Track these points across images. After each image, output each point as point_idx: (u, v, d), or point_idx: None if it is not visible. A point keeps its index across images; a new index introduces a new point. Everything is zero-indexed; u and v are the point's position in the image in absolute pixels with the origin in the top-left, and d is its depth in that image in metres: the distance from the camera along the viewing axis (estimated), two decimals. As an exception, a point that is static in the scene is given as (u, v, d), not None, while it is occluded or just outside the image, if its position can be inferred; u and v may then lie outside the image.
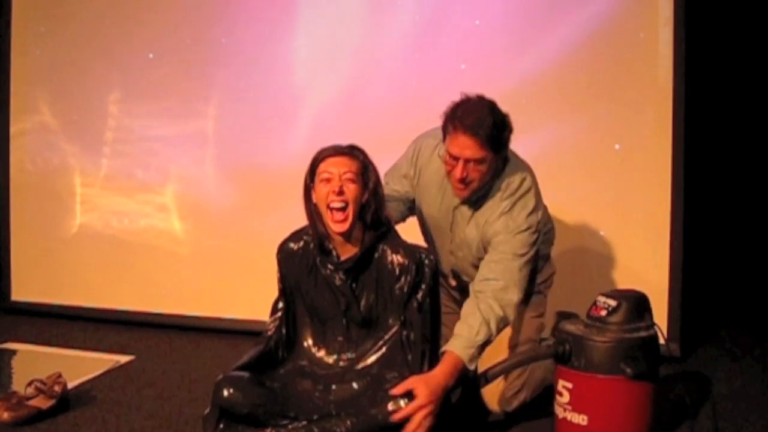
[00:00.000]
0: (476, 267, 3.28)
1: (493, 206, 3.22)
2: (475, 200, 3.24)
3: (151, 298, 4.79)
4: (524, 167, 3.29)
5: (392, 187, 3.44)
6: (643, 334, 2.99)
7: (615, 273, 4.12)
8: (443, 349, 3.01)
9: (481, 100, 3.12)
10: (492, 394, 3.31)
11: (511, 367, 3.15)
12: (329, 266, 3.09)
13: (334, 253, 3.08)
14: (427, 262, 3.06)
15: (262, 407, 2.91)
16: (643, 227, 4.08)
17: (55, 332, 4.63)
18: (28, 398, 3.32)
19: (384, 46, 4.36)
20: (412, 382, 2.88)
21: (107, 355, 4.19)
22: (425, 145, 3.39)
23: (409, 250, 3.08)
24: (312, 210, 3.07)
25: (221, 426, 2.92)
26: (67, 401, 3.43)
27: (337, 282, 3.08)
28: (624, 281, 4.04)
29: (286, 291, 3.19)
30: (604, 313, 3.02)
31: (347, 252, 3.07)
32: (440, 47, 4.23)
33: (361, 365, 3.11)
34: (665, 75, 3.97)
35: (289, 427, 2.90)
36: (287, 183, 4.46)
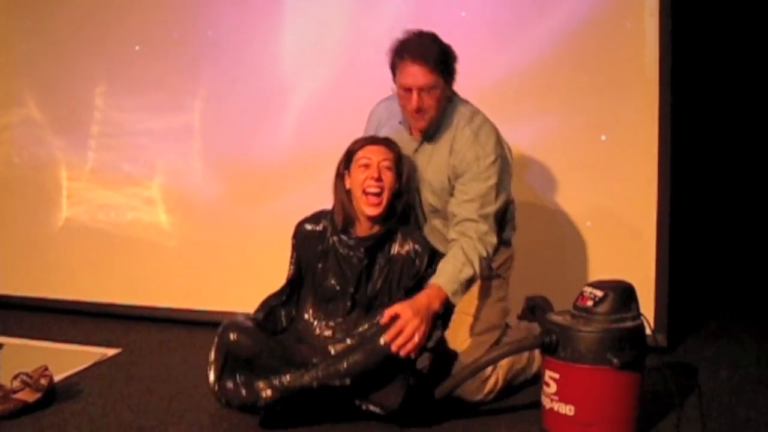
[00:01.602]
0: (433, 211, 3.38)
1: (455, 137, 3.29)
2: (432, 135, 3.32)
3: (137, 291, 4.78)
4: (470, 104, 3.38)
5: None
6: (629, 324, 2.99)
7: (601, 264, 4.12)
8: (427, 283, 3.13)
9: (422, 32, 3.25)
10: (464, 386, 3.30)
11: (498, 358, 3.16)
12: (349, 242, 3.22)
13: (352, 230, 3.25)
14: (435, 248, 3.29)
15: (265, 352, 3.03)
16: (629, 218, 4.08)
17: (42, 326, 4.61)
18: (15, 391, 3.30)
19: (370, 39, 4.34)
20: (396, 306, 3.00)
21: (94, 348, 4.18)
22: (377, 108, 3.55)
23: (420, 237, 3.30)
24: (344, 195, 3.23)
25: (225, 379, 3.03)
26: (53, 394, 3.42)
27: (354, 260, 3.22)
28: (610, 272, 4.01)
29: (298, 266, 3.33)
30: (590, 303, 3.02)
31: (364, 231, 3.25)
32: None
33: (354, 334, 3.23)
34: (651, 65, 3.97)
35: (291, 373, 2.99)
36: (274, 176, 4.50)
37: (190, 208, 4.72)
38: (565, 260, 4.13)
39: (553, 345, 3.01)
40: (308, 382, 2.98)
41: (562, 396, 3.00)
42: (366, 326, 3.22)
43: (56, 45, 4.87)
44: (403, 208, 3.27)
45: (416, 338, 2.96)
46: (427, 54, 3.16)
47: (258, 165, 4.56)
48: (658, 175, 4.01)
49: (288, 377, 2.99)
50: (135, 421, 3.24)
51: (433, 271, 3.18)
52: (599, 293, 3.03)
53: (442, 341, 3.24)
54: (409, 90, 3.20)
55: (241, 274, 4.53)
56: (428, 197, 3.39)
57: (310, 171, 4.28)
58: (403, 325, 2.95)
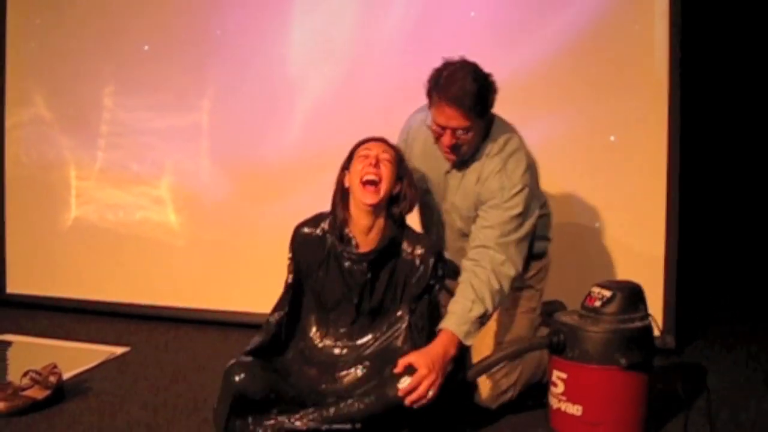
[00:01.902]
0: (462, 235, 3.33)
1: (484, 166, 3.21)
2: (465, 161, 3.25)
3: (146, 290, 4.79)
4: (509, 128, 3.29)
5: None
6: (637, 324, 2.99)
7: (610, 264, 4.12)
8: (438, 327, 3.04)
9: (463, 65, 3.11)
10: (482, 388, 3.30)
11: (505, 357, 3.15)
12: (350, 257, 3.13)
13: (354, 242, 3.13)
14: (442, 251, 3.22)
15: (273, 392, 2.95)
16: (638, 219, 4.08)
17: (51, 324, 4.62)
18: (24, 389, 3.32)
19: (379, 39, 4.36)
20: (411, 356, 2.93)
21: (102, 346, 4.19)
22: (414, 120, 3.44)
23: (427, 241, 3.20)
24: (339, 194, 3.16)
25: (234, 422, 2.94)
26: (62, 392, 3.43)
27: (358, 276, 3.13)
28: (619, 273, 4.05)
29: (297, 273, 3.22)
30: (598, 303, 3.02)
31: (367, 243, 3.13)
32: (435, 39, 4.22)
33: (363, 353, 3.15)
34: (660, 66, 3.97)
35: (301, 413, 2.93)
36: (282, 175, 4.50)
37: (199, 207, 4.73)
38: (574, 261, 4.13)
39: (561, 345, 3.01)
40: (318, 425, 2.92)
41: (570, 396, 3.00)
42: (370, 337, 3.16)
43: (65, 45, 4.89)
44: (401, 214, 3.16)
45: (430, 394, 2.90)
46: (464, 97, 3.02)
47: (266, 164, 4.56)
48: (667, 176, 4.01)
49: (298, 420, 2.93)
50: (143, 419, 3.25)
51: (439, 279, 3.14)
52: (607, 293, 3.03)
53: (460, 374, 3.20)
54: (443, 128, 3.11)
55: (249, 274, 4.54)
56: (456, 221, 3.34)
57: (318, 170, 4.27)
58: (418, 381, 2.88)
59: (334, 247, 3.15)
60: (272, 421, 2.93)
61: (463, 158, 3.21)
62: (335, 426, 2.93)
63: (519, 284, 3.38)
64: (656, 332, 3.07)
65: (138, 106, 4.78)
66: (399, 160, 3.14)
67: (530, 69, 4.13)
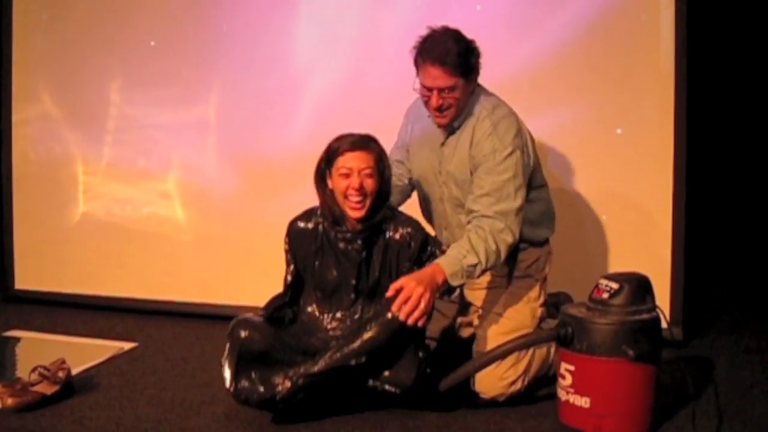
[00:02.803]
0: (458, 205, 3.39)
1: (475, 128, 3.31)
2: (455, 128, 3.36)
3: (154, 285, 4.80)
4: (496, 97, 3.41)
5: (394, 157, 3.58)
6: (645, 316, 2.99)
7: (617, 257, 4.12)
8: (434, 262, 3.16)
9: (445, 30, 3.28)
10: (486, 382, 3.31)
11: (513, 350, 3.16)
12: (344, 236, 3.22)
13: (346, 222, 3.22)
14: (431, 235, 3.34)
15: (277, 346, 3.06)
16: (645, 211, 4.07)
17: (59, 320, 4.63)
18: (32, 384, 3.33)
19: (385, 32, 4.35)
20: (401, 280, 3.06)
21: (111, 342, 4.20)
22: (413, 107, 3.59)
23: (413, 222, 3.30)
24: (329, 196, 3.22)
25: (240, 377, 3.04)
26: (71, 387, 3.44)
27: (354, 255, 3.22)
28: (626, 265, 4.02)
29: (295, 265, 3.32)
30: (606, 295, 3.02)
31: (360, 224, 3.22)
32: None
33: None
34: (667, 58, 3.96)
35: (306, 363, 3.04)
36: (289, 169, 4.50)
37: (206, 202, 4.74)
38: (581, 253, 4.13)
39: (569, 337, 3.01)
40: (324, 367, 3.01)
41: (578, 388, 3.00)
42: (372, 313, 3.22)
43: (72, 40, 4.89)
44: (386, 199, 3.25)
45: (422, 305, 3.00)
46: (447, 56, 3.19)
47: (273, 159, 4.57)
48: (673, 168, 4.00)
49: (303, 367, 3.03)
50: (152, 414, 3.26)
51: (429, 256, 3.23)
52: (615, 285, 3.03)
53: (450, 329, 3.33)
54: (429, 89, 3.25)
55: (256, 268, 4.54)
56: (453, 190, 3.40)
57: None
58: (408, 294, 3.00)
59: (327, 233, 3.25)
60: (279, 378, 3.03)
61: (450, 121, 3.32)
62: (342, 363, 3.02)
63: (520, 274, 3.44)
64: (664, 324, 3.06)
65: (145, 102, 4.78)
66: (378, 161, 3.18)
67: (536, 62, 4.12)
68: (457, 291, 3.40)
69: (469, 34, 3.30)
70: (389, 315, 3.00)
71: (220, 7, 4.61)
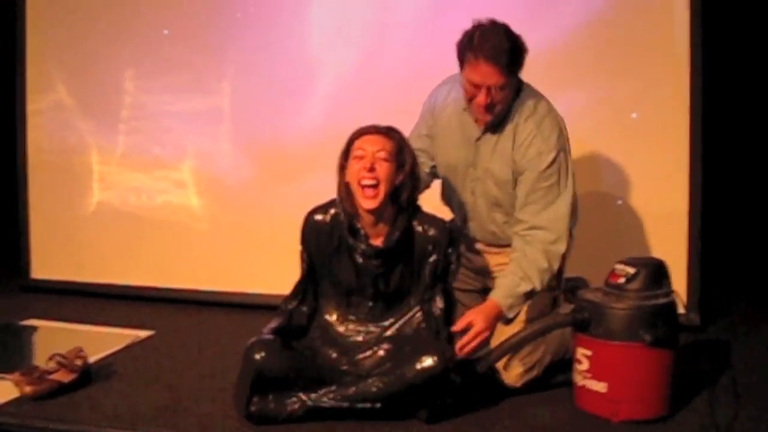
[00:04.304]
0: (495, 204, 3.33)
1: (517, 129, 3.24)
2: (497, 124, 3.27)
3: (169, 274, 4.81)
4: (537, 93, 3.33)
5: (415, 146, 3.46)
6: (661, 301, 2.99)
7: (634, 242, 4.10)
8: (490, 297, 3.15)
9: (495, 25, 3.16)
10: (505, 368, 3.30)
11: (531, 336, 3.15)
12: (361, 251, 3.12)
13: (363, 232, 3.11)
14: (455, 229, 3.23)
15: (293, 370, 2.98)
16: (661, 196, 4.06)
17: (75, 309, 4.64)
18: (50, 372, 3.33)
19: (397, 18, 4.34)
20: (470, 315, 3.06)
21: (127, 330, 4.21)
22: (439, 93, 3.47)
23: (438, 222, 3.17)
24: (343, 189, 3.11)
25: (254, 400, 2.97)
26: (88, 375, 3.45)
27: (372, 268, 3.13)
28: (643, 250, 4.03)
29: (309, 263, 3.23)
30: (622, 280, 3.02)
31: (377, 233, 3.12)
32: (455, 18, 4.12)
33: (383, 335, 3.18)
34: (682, 42, 3.94)
35: (321, 391, 2.95)
36: (304, 157, 4.50)
37: (220, 190, 4.74)
38: (597, 239, 4.10)
39: (586, 322, 3.01)
40: (338, 403, 2.96)
41: (595, 373, 3.00)
42: (390, 320, 3.19)
43: (85, 30, 4.89)
44: (410, 198, 3.11)
45: (477, 343, 3.06)
46: (499, 55, 3.07)
47: (287, 146, 4.56)
48: (689, 152, 3.99)
49: (318, 398, 2.97)
50: (168, 401, 3.26)
51: (456, 261, 3.19)
52: (631, 270, 3.02)
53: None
54: (477, 86, 3.14)
55: (271, 256, 4.54)
56: (492, 189, 3.33)
57: (339, 152, 4.27)
58: (475, 335, 3.05)
59: (347, 244, 3.15)
60: (293, 399, 2.96)
61: (496, 119, 3.23)
62: (355, 405, 2.95)
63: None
64: (681, 309, 3.06)
65: (158, 90, 4.78)
66: (398, 151, 3.07)
67: (551, 47, 4.10)
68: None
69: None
70: (413, 375, 2.93)
71: (234, -5, 4.61)
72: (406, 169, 3.07)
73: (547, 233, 3.17)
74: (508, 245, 3.32)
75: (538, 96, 3.31)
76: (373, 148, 3.03)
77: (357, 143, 3.06)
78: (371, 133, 3.07)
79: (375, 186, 3.01)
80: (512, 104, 3.25)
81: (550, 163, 3.19)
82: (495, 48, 3.07)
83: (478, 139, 3.32)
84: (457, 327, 3.06)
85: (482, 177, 3.34)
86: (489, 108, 3.16)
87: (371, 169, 3.00)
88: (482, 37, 3.11)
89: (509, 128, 3.25)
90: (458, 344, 3.02)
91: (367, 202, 3.02)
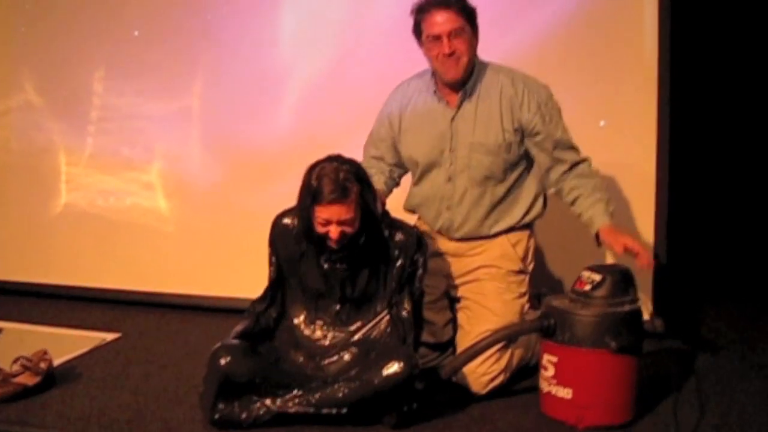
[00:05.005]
0: (486, 178, 3.37)
1: (503, 90, 3.34)
2: (470, 93, 3.34)
3: (137, 276, 4.78)
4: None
5: (371, 154, 3.56)
6: (627, 308, 3.01)
7: (600, 249, 4.11)
8: (598, 227, 3.26)
9: None
10: (470, 377, 3.31)
11: (497, 341, 3.17)
12: (327, 255, 3.13)
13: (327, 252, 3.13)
14: (422, 235, 3.24)
15: (259, 375, 2.98)
16: (628, 203, 4.08)
17: (41, 311, 4.62)
18: (14, 375, 3.32)
19: (370, 22, 4.34)
20: (620, 239, 3.18)
21: (93, 333, 4.20)
22: (396, 95, 3.53)
23: (406, 227, 3.20)
24: (307, 218, 3.07)
25: (219, 405, 2.96)
26: (53, 378, 3.43)
27: (337, 272, 3.15)
28: (609, 257, 4.05)
29: (277, 265, 3.24)
30: (588, 287, 3.03)
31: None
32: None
33: (350, 340, 3.17)
34: (650, 50, 3.96)
35: (287, 396, 2.94)
36: (273, 160, 4.50)
37: (189, 193, 4.72)
38: (564, 246, 4.13)
39: (552, 329, 3.02)
40: (304, 409, 2.96)
41: (560, 379, 3.01)
42: (357, 324, 3.20)
43: (55, 30, 4.86)
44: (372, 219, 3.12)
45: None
46: (449, 1, 3.23)
47: (257, 149, 4.55)
48: (656, 159, 4.00)
49: (284, 404, 2.97)
50: (134, 405, 3.25)
51: (421, 266, 3.18)
52: (597, 277, 3.04)
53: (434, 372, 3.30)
54: (438, 38, 3.24)
55: (239, 259, 4.53)
56: (483, 161, 3.35)
57: (308, 156, 4.16)
58: (638, 244, 3.18)
59: (312, 250, 3.16)
60: (258, 404, 2.95)
61: (464, 73, 3.30)
62: (321, 411, 2.95)
63: (517, 268, 3.44)
64: (646, 316, 3.09)
65: (128, 91, 4.77)
66: (358, 202, 3.03)
67: (520, 54, 4.10)
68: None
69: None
70: (379, 381, 2.93)
71: (205, -3, 4.59)
72: (369, 206, 3.08)
73: (585, 163, 3.39)
74: (495, 235, 3.43)
75: (502, 65, 3.44)
76: (336, 218, 3.01)
77: (318, 210, 3.01)
78: (333, 202, 2.99)
79: (342, 241, 3.04)
80: (479, 70, 3.34)
81: (551, 102, 3.36)
82: None
83: (453, 118, 3.36)
84: (619, 250, 3.15)
85: (467, 154, 3.36)
86: (452, 55, 3.25)
87: (338, 240, 3.03)
88: None
89: (491, 92, 3.34)
90: (642, 259, 3.13)
91: (335, 246, 3.06)
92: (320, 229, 3.04)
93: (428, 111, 3.41)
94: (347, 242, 3.05)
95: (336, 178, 2.99)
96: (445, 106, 3.38)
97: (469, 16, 3.27)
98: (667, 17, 3.96)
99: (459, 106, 3.35)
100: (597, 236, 3.25)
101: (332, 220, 3.01)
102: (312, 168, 3.06)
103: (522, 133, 3.34)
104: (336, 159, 3.07)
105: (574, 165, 3.36)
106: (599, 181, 3.36)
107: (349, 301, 3.21)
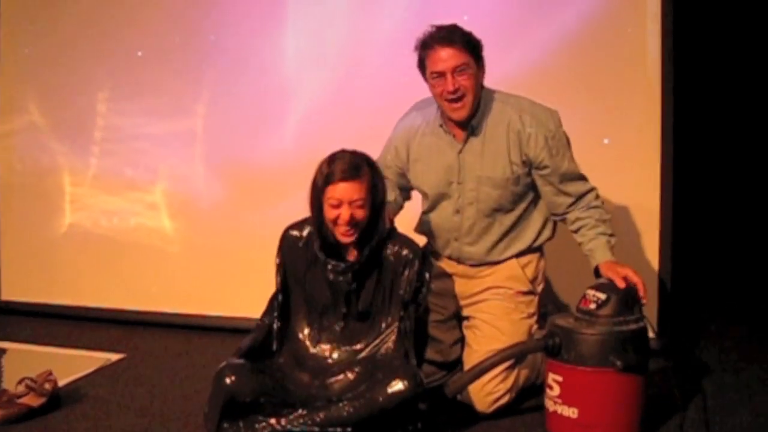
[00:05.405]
0: (494, 210, 3.36)
1: (507, 125, 3.31)
2: (476, 127, 3.32)
3: (141, 296, 4.78)
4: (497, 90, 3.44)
5: None
6: (632, 326, 3.00)
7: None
8: (599, 262, 3.24)
9: (443, 24, 3.28)
10: (475, 397, 3.30)
11: (502, 361, 3.16)
12: (333, 267, 3.13)
13: (338, 259, 3.13)
14: (428, 252, 3.24)
15: (264, 395, 2.96)
16: (631, 221, 4.08)
17: (46, 331, 4.62)
18: (19, 396, 3.31)
19: (372, 42, 4.36)
20: (619, 272, 3.12)
21: (98, 353, 4.19)
22: (404, 124, 3.51)
23: (411, 243, 3.19)
24: (318, 211, 3.09)
25: (224, 425, 2.95)
26: (58, 399, 3.43)
27: (344, 285, 3.13)
28: (613, 275, 4.05)
29: (283, 279, 3.23)
30: (593, 306, 3.02)
31: (350, 252, 3.14)
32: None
33: (354, 358, 3.16)
34: (653, 69, 3.97)
35: (291, 416, 2.93)
36: (277, 180, 4.50)
37: (193, 213, 4.73)
38: (568, 264, 4.12)
39: (557, 348, 3.01)
40: (308, 428, 2.93)
41: (566, 399, 3.00)
42: (362, 342, 3.18)
43: (59, 51, 4.88)
44: (381, 227, 3.13)
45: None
46: (453, 36, 3.20)
47: (261, 169, 4.56)
48: (660, 177, 4.01)
49: (288, 423, 2.93)
50: (139, 425, 3.25)
51: (427, 282, 3.17)
52: (602, 296, 3.03)
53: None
54: (442, 75, 3.21)
55: (244, 279, 4.53)
56: (491, 194, 3.35)
57: (312, 175, 4.27)
58: (638, 277, 3.11)
59: (319, 259, 3.15)
60: (263, 424, 2.94)
61: (470, 111, 3.27)
62: (326, 430, 2.94)
63: (526, 289, 3.44)
64: (651, 335, 3.07)
65: (132, 112, 4.77)
66: (371, 187, 3.06)
67: (523, 72, 4.12)
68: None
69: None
70: (384, 399, 2.92)
71: (208, 18, 4.60)
72: (377, 204, 3.09)
73: (590, 194, 3.36)
74: (504, 260, 3.43)
75: (509, 94, 3.41)
76: (349, 197, 3.02)
77: (330, 190, 3.03)
78: (345, 180, 3.01)
79: (354, 232, 3.05)
80: (486, 103, 3.32)
81: (560, 140, 3.32)
82: (448, 32, 3.22)
83: (460, 151, 3.35)
84: (621, 284, 3.08)
85: (475, 187, 3.35)
86: (457, 93, 3.21)
87: (349, 221, 3.02)
88: (434, 30, 3.26)
89: (498, 127, 3.31)
90: (640, 292, 3.08)
91: (344, 238, 3.06)
92: (331, 213, 3.02)
93: (436, 142, 3.40)
94: (357, 236, 3.05)
95: (349, 160, 3.04)
96: (452, 139, 3.37)
97: (474, 50, 3.24)
98: (670, 34, 3.97)
99: (466, 141, 3.34)
100: (596, 269, 3.24)
101: (344, 199, 3.00)
102: (324, 159, 3.11)
103: (530, 165, 3.33)
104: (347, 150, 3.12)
105: (579, 198, 3.36)
106: (603, 212, 3.35)
107: (354, 318, 3.20)
